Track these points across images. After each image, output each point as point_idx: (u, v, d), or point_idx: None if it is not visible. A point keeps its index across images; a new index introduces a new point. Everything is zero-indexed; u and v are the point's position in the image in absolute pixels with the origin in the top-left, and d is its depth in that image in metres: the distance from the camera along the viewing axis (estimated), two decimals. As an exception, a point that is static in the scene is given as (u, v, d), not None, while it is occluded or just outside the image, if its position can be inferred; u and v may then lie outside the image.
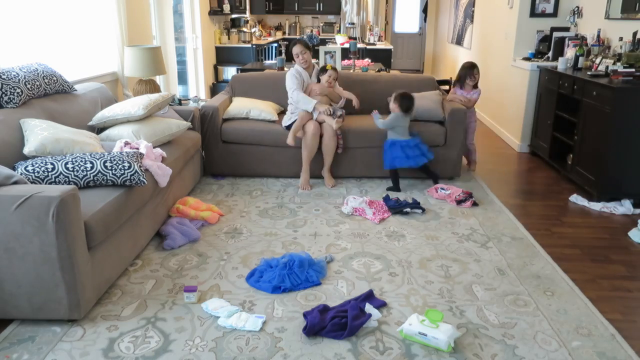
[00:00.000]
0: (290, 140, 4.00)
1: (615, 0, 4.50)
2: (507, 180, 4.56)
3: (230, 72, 7.46)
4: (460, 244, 3.16)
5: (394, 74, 5.18)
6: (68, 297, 2.22)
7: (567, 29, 5.29)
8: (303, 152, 4.07)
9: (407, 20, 12.33)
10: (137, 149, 3.04)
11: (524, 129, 5.39)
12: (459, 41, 8.48)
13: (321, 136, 4.08)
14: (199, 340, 2.20)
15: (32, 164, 2.53)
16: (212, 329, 2.27)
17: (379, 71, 5.73)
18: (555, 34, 5.13)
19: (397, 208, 3.62)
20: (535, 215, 3.70)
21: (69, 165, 2.55)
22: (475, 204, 3.79)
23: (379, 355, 2.12)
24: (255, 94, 4.63)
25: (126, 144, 3.07)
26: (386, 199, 3.76)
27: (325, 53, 5.73)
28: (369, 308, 2.37)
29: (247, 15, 8.70)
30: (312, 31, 9.63)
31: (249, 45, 7.94)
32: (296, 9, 10.12)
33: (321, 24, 10.29)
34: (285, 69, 5.43)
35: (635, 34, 4.09)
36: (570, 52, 4.83)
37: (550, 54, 5.19)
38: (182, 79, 6.84)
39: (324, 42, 7.95)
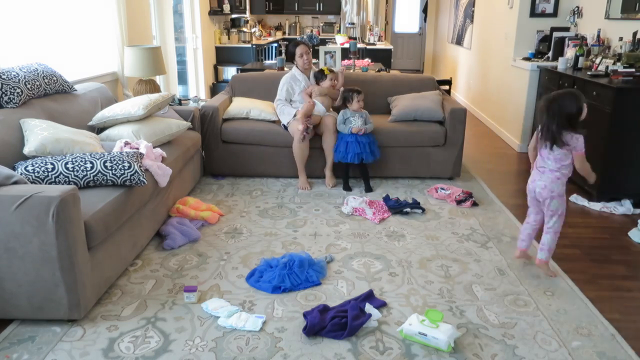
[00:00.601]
0: (300, 127, 3.96)
1: (615, 0, 4.50)
2: (507, 180, 4.56)
3: (230, 72, 7.46)
4: (460, 244, 3.16)
5: (394, 74, 5.18)
6: (68, 297, 2.22)
7: (567, 29, 5.29)
8: (295, 157, 4.09)
9: (407, 20, 12.33)
10: (137, 149, 3.04)
11: (524, 129, 5.38)
12: (459, 41, 8.48)
13: (321, 135, 4.09)
14: (199, 340, 2.20)
15: (32, 164, 2.53)
16: (212, 329, 2.27)
17: (379, 71, 5.73)
18: (555, 34, 5.13)
19: (397, 208, 3.62)
20: (535, 215, 3.69)
21: (69, 165, 2.55)
22: (475, 204, 3.79)
23: (379, 355, 2.12)
24: (255, 94, 4.64)
25: (126, 144, 3.07)
26: (386, 199, 3.76)
27: (325, 53, 5.73)
28: (369, 308, 2.37)
29: (247, 15, 8.70)
30: (312, 31, 9.63)
31: (249, 45, 7.94)
32: (296, 9, 10.12)
33: (321, 24, 10.29)
34: (286, 69, 5.43)
35: (635, 34, 4.09)
36: (570, 52, 4.83)
37: (550, 54, 5.19)
38: (182, 79, 6.84)
39: (324, 42, 7.95)
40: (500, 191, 4.16)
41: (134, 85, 4.44)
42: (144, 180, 2.68)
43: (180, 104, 4.51)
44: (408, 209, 3.62)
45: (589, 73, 4.25)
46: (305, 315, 2.33)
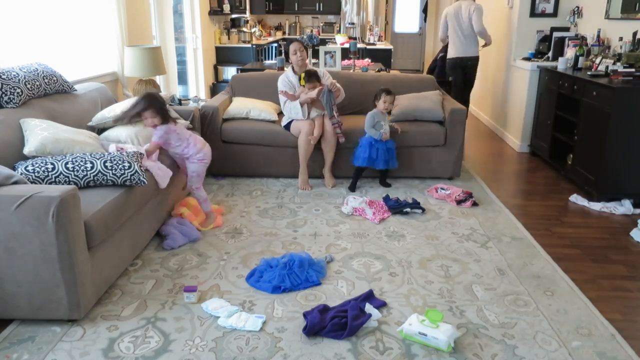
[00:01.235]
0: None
1: (615, 0, 4.50)
2: (507, 180, 4.56)
3: (230, 72, 7.46)
4: (460, 244, 3.16)
5: (394, 74, 5.18)
6: (68, 297, 2.22)
7: (567, 29, 5.29)
8: (299, 152, 4.07)
9: (407, 20, 12.33)
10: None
11: (524, 129, 5.38)
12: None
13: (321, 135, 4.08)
14: (199, 340, 2.20)
15: (32, 164, 2.53)
16: (212, 329, 2.27)
17: (379, 71, 5.72)
18: (555, 34, 5.13)
19: (397, 208, 3.62)
20: (535, 215, 3.70)
21: (69, 165, 2.55)
22: (475, 204, 3.79)
23: (379, 355, 2.12)
24: (255, 94, 4.64)
25: (119, 150, 3.01)
26: (386, 199, 3.76)
27: (325, 53, 5.73)
28: (369, 308, 2.37)
29: (247, 15, 8.70)
30: (312, 31, 9.62)
31: (249, 45, 7.94)
32: (296, 9, 10.11)
33: (321, 24, 10.29)
34: (285, 69, 5.43)
35: (635, 34, 4.09)
36: (570, 52, 4.83)
37: (550, 54, 5.19)
38: (182, 79, 6.84)
39: (324, 42, 7.94)
40: (500, 191, 4.16)
41: (134, 85, 4.43)
42: (144, 180, 2.68)
43: (180, 104, 4.51)
44: (408, 209, 3.62)
45: (589, 73, 4.25)
46: (305, 315, 2.33)
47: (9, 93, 2.84)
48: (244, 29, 8.38)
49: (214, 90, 7.45)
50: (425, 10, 11.80)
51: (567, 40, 5.01)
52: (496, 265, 2.90)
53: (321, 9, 10.13)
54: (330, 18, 10.39)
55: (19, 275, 2.18)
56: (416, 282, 2.71)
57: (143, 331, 2.26)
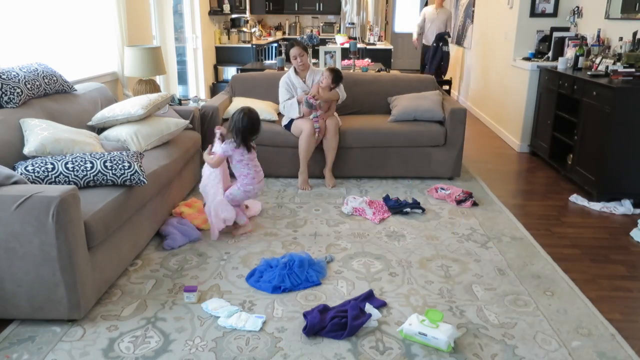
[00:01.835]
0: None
1: (615, 0, 4.50)
2: (507, 180, 4.56)
3: (230, 72, 7.46)
4: (460, 244, 3.16)
5: (394, 74, 5.17)
6: (68, 297, 2.22)
7: (567, 29, 5.29)
8: (300, 152, 4.07)
9: (407, 20, 12.32)
10: None
11: (524, 129, 5.38)
12: (459, 41, 8.48)
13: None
14: (199, 340, 2.20)
15: (32, 163, 2.53)
16: (212, 329, 2.27)
17: (379, 71, 5.73)
18: (555, 34, 5.13)
19: (397, 208, 3.62)
20: (535, 215, 3.70)
21: (69, 165, 2.55)
22: (475, 204, 3.79)
23: (379, 355, 2.12)
24: (255, 94, 4.64)
25: None
26: (386, 199, 3.76)
27: (325, 53, 5.74)
28: (369, 308, 2.37)
29: (247, 15, 8.70)
30: (312, 31, 9.63)
31: (249, 45, 7.94)
32: (296, 9, 10.12)
33: (321, 24, 10.29)
34: (285, 69, 5.43)
35: (635, 34, 4.09)
36: (570, 52, 4.83)
37: (550, 54, 5.19)
38: (182, 79, 6.84)
39: (324, 42, 7.95)
40: (500, 191, 4.16)
41: (134, 85, 4.44)
42: (144, 180, 2.68)
43: (180, 104, 4.51)
44: (408, 209, 3.61)
45: (589, 73, 4.25)
46: (305, 315, 2.33)
47: (9, 93, 2.84)
48: (244, 29, 8.38)
49: (214, 90, 7.46)
50: (425, 10, 11.80)
51: (567, 40, 5.01)
52: (496, 265, 2.90)
53: (321, 9, 10.14)
54: (330, 18, 10.40)
55: (19, 275, 2.18)
56: (416, 282, 2.71)
57: (143, 331, 2.26)
